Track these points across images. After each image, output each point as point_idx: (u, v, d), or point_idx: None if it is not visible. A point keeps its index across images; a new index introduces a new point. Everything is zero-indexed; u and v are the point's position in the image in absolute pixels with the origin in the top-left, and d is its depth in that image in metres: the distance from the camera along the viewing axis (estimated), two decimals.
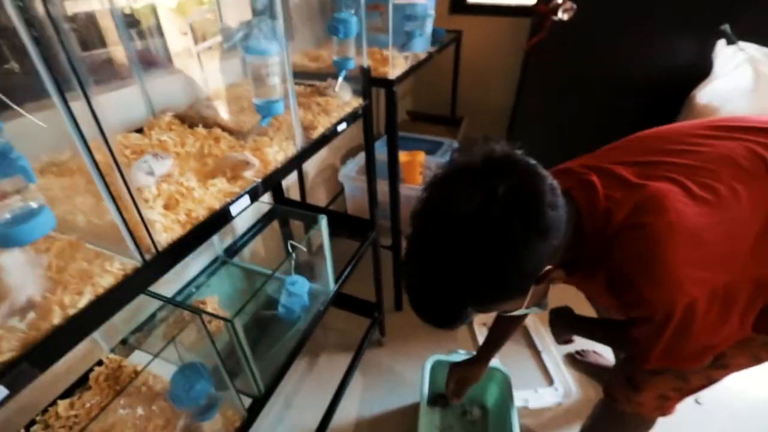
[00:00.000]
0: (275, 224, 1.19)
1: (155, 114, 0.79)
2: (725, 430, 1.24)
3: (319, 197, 1.81)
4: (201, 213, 0.51)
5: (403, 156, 1.53)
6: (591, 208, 0.61)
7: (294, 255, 0.78)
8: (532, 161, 0.53)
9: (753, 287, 0.56)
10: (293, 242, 0.79)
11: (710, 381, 0.75)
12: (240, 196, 0.56)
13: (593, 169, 0.65)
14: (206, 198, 0.54)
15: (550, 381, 1.37)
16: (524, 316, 1.04)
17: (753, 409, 1.29)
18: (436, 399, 1.30)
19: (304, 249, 0.81)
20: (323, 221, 0.82)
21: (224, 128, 0.74)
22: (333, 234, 0.86)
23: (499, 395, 1.21)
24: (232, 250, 1.10)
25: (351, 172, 1.57)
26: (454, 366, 1.12)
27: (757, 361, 0.71)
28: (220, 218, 0.53)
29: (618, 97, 1.69)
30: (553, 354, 1.44)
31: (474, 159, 0.51)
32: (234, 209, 0.55)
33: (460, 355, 1.25)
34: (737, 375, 1.32)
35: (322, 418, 1.14)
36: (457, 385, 1.10)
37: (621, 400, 0.83)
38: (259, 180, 0.59)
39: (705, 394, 1.32)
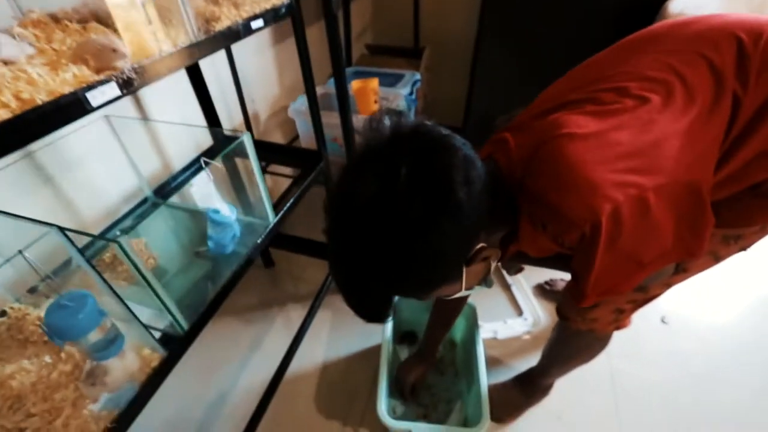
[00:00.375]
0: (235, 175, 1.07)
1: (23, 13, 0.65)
2: (691, 349, 1.25)
3: (274, 140, 1.68)
4: (41, 97, 0.40)
5: (355, 84, 1.40)
6: (508, 166, 0.58)
7: (208, 172, 0.67)
8: (445, 131, 0.49)
9: (686, 194, 0.49)
10: (206, 159, 0.68)
11: (669, 287, 0.70)
12: (103, 83, 0.44)
13: (511, 127, 0.63)
14: (54, 84, 0.42)
15: (520, 312, 1.35)
16: (467, 296, 0.99)
17: (719, 328, 1.30)
18: (404, 336, 1.27)
19: (219, 165, 0.71)
20: (246, 138, 0.71)
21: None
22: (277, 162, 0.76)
23: (466, 328, 1.18)
24: (166, 191, 0.99)
25: (301, 107, 1.43)
26: (401, 367, 1.09)
27: (716, 259, 0.67)
28: (71, 106, 0.42)
29: (587, 13, 1.56)
30: (523, 286, 1.41)
31: (382, 136, 0.48)
32: (95, 98, 0.44)
33: None
34: (702, 293, 1.31)
35: (281, 362, 1.09)
36: (411, 385, 1.07)
37: (574, 319, 0.79)
38: (130, 66, 0.47)
39: (671, 314, 1.33)
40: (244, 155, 0.77)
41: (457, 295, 0.60)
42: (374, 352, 1.26)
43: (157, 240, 0.85)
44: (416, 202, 0.44)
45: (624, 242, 0.49)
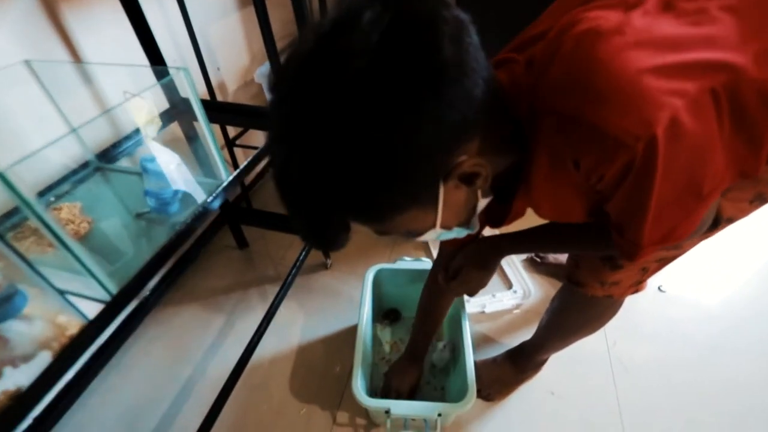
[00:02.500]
0: (175, 128, 0.97)
1: None
2: (689, 317, 1.18)
3: None
4: None
5: None
6: (515, 88, 0.44)
7: (128, 101, 0.57)
8: None
9: (751, 93, 0.37)
10: (127, 91, 0.58)
11: (702, 240, 0.59)
12: None
13: (514, 47, 0.50)
14: None
15: (509, 285, 1.27)
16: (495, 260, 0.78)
17: (717, 296, 1.24)
18: (387, 314, 1.18)
19: (142, 98, 0.61)
20: (184, 73, 0.61)
21: None
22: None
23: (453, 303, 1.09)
24: (112, 156, 0.88)
25: (268, 71, 1.33)
26: (392, 375, 0.98)
27: (762, 201, 0.56)
28: None
29: None
30: (512, 259, 1.34)
31: None
32: None
33: (406, 262, 1.11)
34: (699, 260, 1.21)
35: (248, 343, 1.00)
36: (403, 394, 0.96)
37: (590, 285, 0.70)
38: None
39: (668, 282, 1.26)
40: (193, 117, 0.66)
41: (430, 237, 0.47)
42: (352, 332, 1.17)
43: (96, 204, 0.75)
44: (378, 60, 0.31)
45: (684, 164, 0.38)
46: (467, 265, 0.72)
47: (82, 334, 0.50)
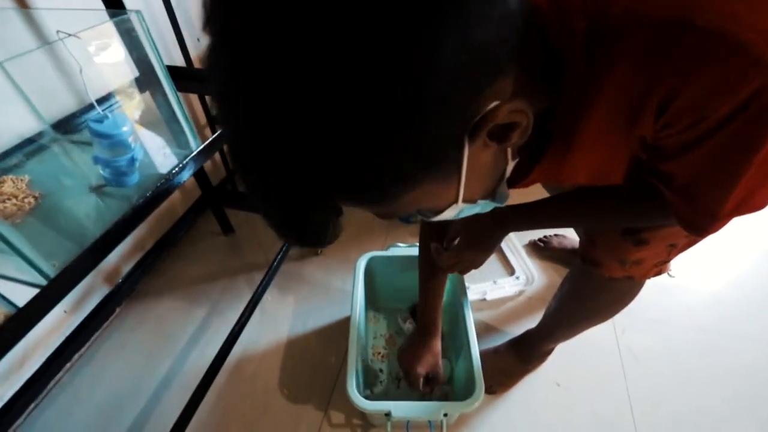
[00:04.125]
0: (143, 97, 0.87)
1: None
2: (699, 303, 1.11)
3: None
4: None
5: None
6: (558, 10, 0.32)
7: (61, 40, 0.47)
8: None
9: None
10: (60, 30, 0.48)
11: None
12: None
13: None
14: None
15: (511, 271, 1.19)
16: (495, 240, 0.67)
17: (726, 280, 1.17)
18: (413, 311, 1.06)
19: (78, 37, 0.51)
20: (136, 16, 0.51)
21: None
22: None
23: (451, 290, 1.01)
24: (71, 127, 0.78)
25: None
26: (405, 357, 0.85)
27: None
28: None
29: None
30: (514, 243, 1.26)
31: None
32: None
33: (400, 249, 1.03)
34: (708, 244, 1.13)
35: (229, 333, 0.92)
36: (427, 379, 0.83)
37: (608, 265, 0.61)
38: None
39: (676, 266, 1.19)
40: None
41: (449, 215, 0.36)
42: (343, 323, 1.09)
43: (48, 178, 0.66)
44: None
45: None
46: (462, 241, 0.63)
47: (9, 325, 0.41)
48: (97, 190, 0.60)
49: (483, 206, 0.39)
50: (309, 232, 0.32)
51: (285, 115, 0.23)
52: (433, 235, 0.72)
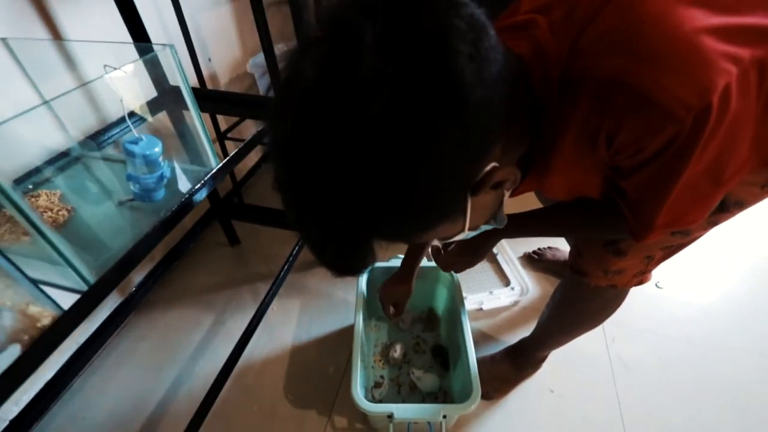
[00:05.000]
0: (163, 117, 0.93)
1: None
2: (687, 314, 1.17)
3: None
4: None
5: None
6: (538, 56, 0.41)
7: (108, 75, 0.53)
8: None
9: None
10: (108, 65, 0.54)
11: (712, 227, 0.57)
12: None
13: (535, 8, 0.45)
14: None
15: (506, 282, 1.25)
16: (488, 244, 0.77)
17: (715, 292, 1.23)
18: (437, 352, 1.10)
19: (123, 71, 0.57)
20: (170, 51, 0.58)
21: None
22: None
23: (449, 300, 1.06)
24: (97, 143, 0.84)
25: (262, 62, 1.29)
26: (382, 288, 0.97)
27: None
28: None
29: None
30: (509, 255, 1.31)
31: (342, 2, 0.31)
32: None
33: (400, 260, 1.08)
34: (696, 256, 1.19)
35: (237, 342, 0.96)
36: (393, 305, 0.97)
37: (593, 274, 0.67)
38: None
39: (665, 278, 1.25)
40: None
41: (458, 239, 0.47)
42: (346, 332, 1.14)
43: (78, 192, 0.71)
44: (386, 89, 0.27)
45: (718, 143, 0.36)
46: (458, 245, 0.71)
47: (56, 326, 0.46)
48: (125, 204, 0.65)
49: (484, 227, 0.49)
50: (353, 265, 0.40)
51: (345, 194, 0.32)
52: None
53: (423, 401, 0.95)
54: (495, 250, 1.34)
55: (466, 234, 0.45)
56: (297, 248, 1.21)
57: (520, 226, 0.63)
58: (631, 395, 0.98)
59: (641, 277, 0.66)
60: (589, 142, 0.42)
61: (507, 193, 0.45)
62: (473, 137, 0.32)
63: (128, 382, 1.06)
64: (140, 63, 0.66)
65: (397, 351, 1.02)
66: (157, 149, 0.59)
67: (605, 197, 0.51)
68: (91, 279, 0.51)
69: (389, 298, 0.95)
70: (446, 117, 0.29)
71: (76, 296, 0.50)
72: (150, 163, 0.60)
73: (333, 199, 0.32)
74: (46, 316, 0.47)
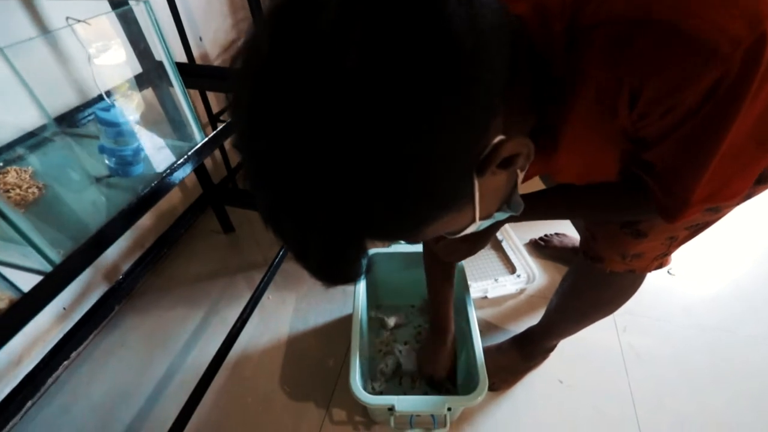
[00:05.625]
0: (148, 89, 0.86)
1: None
2: (701, 301, 1.12)
3: None
4: None
5: None
6: (539, 4, 0.34)
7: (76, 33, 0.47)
8: None
9: None
10: (71, 17, 0.48)
11: (743, 200, 0.49)
12: None
13: None
14: None
15: (512, 269, 1.19)
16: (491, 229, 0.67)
17: (728, 278, 1.18)
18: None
19: (87, 23, 0.51)
20: (144, 6, 0.52)
21: None
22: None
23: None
24: (75, 121, 0.78)
25: None
26: (424, 359, 0.89)
27: None
28: None
29: None
30: (515, 242, 1.26)
31: None
32: None
33: (402, 245, 1.03)
34: (707, 242, 1.12)
35: (229, 332, 0.91)
36: (446, 375, 0.89)
37: (609, 259, 0.61)
38: None
39: (676, 265, 1.19)
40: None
41: (469, 231, 0.39)
42: (346, 322, 1.09)
43: (53, 170, 0.66)
44: (358, 34, 0.22)
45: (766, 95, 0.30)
46: None
47: (14, 310, 0.41)
48: (102, 181, 0.60)
49: (499, 216, 0.42)
50: (342, 270, 0.33)
51: (324, 181, 0.26)
52: None
53: (426, 394, 0.91)
54: (499, 236, 1.29)
55: (478, 225, 0.38)
56: None
57: (529, 209, 0.57)
58: (644, 385, 0.93)
59: (662, 260, 0.61)
60: (606, 107, 0.35)
61: (521, 174, 0.38)
62: (472, 97, 0.26)
63: (117, 373, 1.01)
64: (117, 24, 0.59)
65: (392, 322, 0.98)
66: (132, 117, 0.54)
67: (626, 174, 0.44)
68: (57, 259, 0.46)
69: (439, 370, 0.88)
70: (437, 67, 0.23)
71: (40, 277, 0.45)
72: (124, 133, 0.54)
73: (308, 185, 0.26)
74: (2, 299, 0.42)
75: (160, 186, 0.57)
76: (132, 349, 1.06)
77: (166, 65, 0.59)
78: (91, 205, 0.58)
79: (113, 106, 0.52)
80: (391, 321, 1.03)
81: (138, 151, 0.56)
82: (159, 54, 0.71)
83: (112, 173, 0.58)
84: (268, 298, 1.16)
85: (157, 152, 0.62)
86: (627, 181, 0.46)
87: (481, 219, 0.36)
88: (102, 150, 0.56)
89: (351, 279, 0.34)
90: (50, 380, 0.97)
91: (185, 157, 0.62)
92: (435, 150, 0.25)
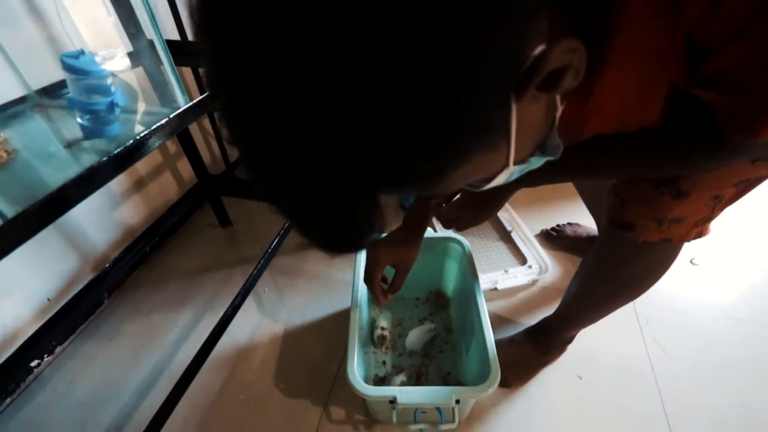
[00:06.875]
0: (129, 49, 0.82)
1: None
2: (727, 292, 1.04)
3: None
4: None
5: None
6: None
7: None
8: None
9: None
10: None
11: None
12: None
13: None
14: None
15: (523, 260, 1.12)
16: (502, 193, 0.59)
17: (754, 267, 1.10)
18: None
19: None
20: None
21: None
22: None
23: (459, 275, 0.94)
24: (58, 94, 0.74)
25: None
26: (374, 251, 0.73)
27: None
28: None
29: None
30: (525, 232, 1.19)
31: None
32: None
33: None
34: (731, 230, 1.03)
35: (217, 324, 0.85)
36: (390, 277, 0.76)
37: (643, 226, 0.53)
38: None
39: (700, 254, 1.12)
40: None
41: (499, 181, 0.33)
42: (346, 315, 1.02)
43: (28, 138, 0.61)
44: None
45: None
46: (464, 194, 0.57)
47: None
48: (76, 145, 0.55)
49: (534, 162, 0.35)
50: (349, 228, 0.26)
51: (317, 101, 0.20)
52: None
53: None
54: (509, 227, 1.22)
55: (511, 172, 0.32)
56: (284, 230, 1.10)
57: (554, 165, 0.50)
58: (672, 381, 0.85)
59: (702, 227, 0.53)
60: (666, 18, 0.29)
61: (560, 108, 0.33)
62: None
63: (104, 369, 0.95)
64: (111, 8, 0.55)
65: (386, 328, 0.91)
66: (104, 67, 0.49)
67: (671, 113, 0.38)
68: (11, 213, 0.40)
69: (382, 262, 0.72)
70: None
71: None
72: (96, 86, 0.49)
73: (301, 105, 0.20)
74: None
75: (136, 146, 0.52)
76: (120, 345, 1.00)
77: (153, 37, 0.55)
78: (60, 169, 0.53)
79: (83, 53, 0.48)
80: (383, 324, 0.93)
81: (112, 107, 0.51)
82: (149, 32, 0.67)
83: (86, 134, 0.53)
84: (264, 291, 1.10)
85: (136, 115, 0.58)
86: (680, 119, 0.39)
87: (515, 162, 0.30)
88: (71, 103, 0.51)
89: (360, 241, 0.27)
90: (31, 377, 0.91)
91: (166, 119, 0.57)
92: (471, 51, 0.20)
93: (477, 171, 0.29)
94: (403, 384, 0.81)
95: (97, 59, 0.50)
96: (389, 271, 0.77)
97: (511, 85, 0.24)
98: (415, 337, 0.88)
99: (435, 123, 0.21)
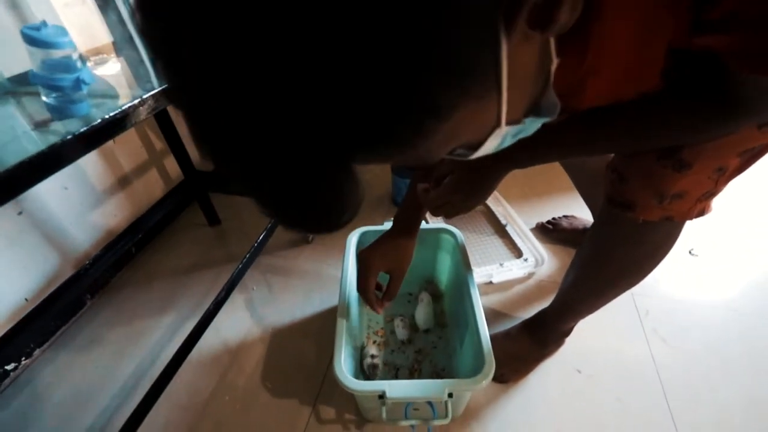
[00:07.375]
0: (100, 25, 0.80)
1: None
2: (727, 282, 1.01)
3: None
4: None
5: None
6: None
7: None
8: None
9: None
10: None
11: None
12: None
13: None
14: None
15: (518, 254, 1.10)
16: (491, 175, 0.55)
17: (753, 258, 1.07)
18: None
19: None
20: None
21: None
22: None
23: (452, 268, 0.91)
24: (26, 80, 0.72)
25: None
26: (366, 253, 0.71)
27: None
28: None
29: None
30: (520, 226, 1.16)
31: None
32: None
33: None
34: (730, 221, 1.02)
35: (200, 320, 0.82)
36: (379, 285, 0.74)
37: (643, 204, 0.51)
38: None
39: (699, 245, 1.09)
40: None
41: (490, 147, 0.30)
42: (335, 313, 0.98)
43: None
44: None
45: None
46: (453, 178, 0.54)
47: None
48: (43, 126, 0.52)
49: (529, 125, 0.31)
50: (320, 203, 0.24)
51: (277, 52, 0.17)
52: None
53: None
54: (503, 221, 1.19)
55: (504, 132, 0.28)
56: (270, 225, 1.07)
57: (545, 142, 0.46)
58: (674, 373, 0.82)
59: (705, 203, 0.51)
60: None
61: (555, 62, 0.29)
62: None
63: (84, 372, 0.91)
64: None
65: (401, 329, 0.88)
66: (68, 39, 0.46)
67: (671, 74, 0.36)
68: None
69: (375, 269, 0.70)
70: None
71: None
72: (60, 62, 0.46)
73: (260, 53, 0.17)
74: None
75: (107, 125, 0.49)
76: (102, 347, 0.96)
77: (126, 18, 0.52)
78: (24, 151, 0.50)
79: (45, 25, 0.45)
80: (372, 352, 0.87)
81: (78, 83, 0.48)
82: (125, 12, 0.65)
83: (53, 114, 0.50)
84: (253, 289, 1.07)
85: (108, 98, 0.55)
86: (684, 81, 0.37)
87: (508, 121, 0.27)
88: (33, 78, 0.48)
89: (335, 218, 0.24)
90: (7, 381, 0.87)
91: (139, 99, 0.54)
92: None
93: (463, 130, 0.26)
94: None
95: (57, 25, 0.47)
96: (383, 277, 0.74)
97: (497, 12, 0.20)
98: (423, 314, 0.88)
99: (408, 60, 0.18)
